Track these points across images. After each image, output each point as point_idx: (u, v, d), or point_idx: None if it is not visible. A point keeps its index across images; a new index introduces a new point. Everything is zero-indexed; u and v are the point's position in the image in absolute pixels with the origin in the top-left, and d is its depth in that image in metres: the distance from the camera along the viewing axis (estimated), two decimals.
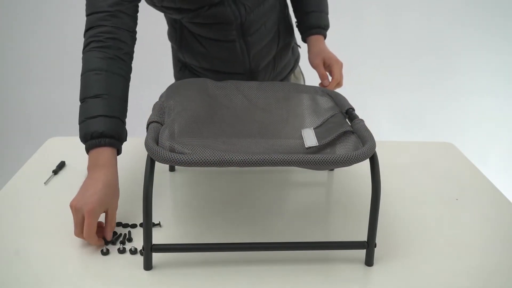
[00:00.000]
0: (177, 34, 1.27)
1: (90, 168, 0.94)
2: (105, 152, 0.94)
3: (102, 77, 0.98)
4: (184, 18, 1.18)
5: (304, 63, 1.44)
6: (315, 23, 1.29)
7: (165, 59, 2.26)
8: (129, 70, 1.04)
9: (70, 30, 2.44)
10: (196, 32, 1.23)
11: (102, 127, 0.94)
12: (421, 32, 2.78)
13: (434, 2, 2.73)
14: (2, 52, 2.73)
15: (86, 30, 1.03)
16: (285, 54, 1.36)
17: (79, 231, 0.90)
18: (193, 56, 1.28)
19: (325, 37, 1.30)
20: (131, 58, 1.05)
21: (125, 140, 1.01)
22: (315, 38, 1.29)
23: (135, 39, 1.07)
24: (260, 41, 1.25)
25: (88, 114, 0.96)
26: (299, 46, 1.41)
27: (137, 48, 1.08)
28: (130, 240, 0.95)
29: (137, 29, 1.08)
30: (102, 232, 0.94)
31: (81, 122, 0.97)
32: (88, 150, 0.95)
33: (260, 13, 1.21)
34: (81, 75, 1.00)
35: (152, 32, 2.02)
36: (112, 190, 0.93)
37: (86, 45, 1.02)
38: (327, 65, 1.24)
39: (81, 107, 0.98)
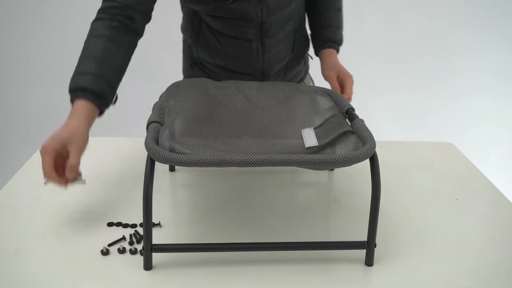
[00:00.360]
0: (193, 27, 1.26)
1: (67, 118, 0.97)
2: (80, 105, 0.97)
3: (102, 42, 1.02)
4: (205, 10, 1.18)
5: (313, 72, 1.44)
6: (331, 38, 1.30)
7: (166, 59, 2.26)
8: (132, 43, 1.07)
9: (70, 30, 2.44)
10: (214, 27, 1.22)
11: (85, 83, 0.97)
12: (421, 32, 2.77)
13: (434, 2, 2.73)
14: (2, 52, 2.73)
15: (101, 7, 1.07)
16: (297, 63, 1.35)
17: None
18: (208, 51, 1.27)
19: (337, 52, 1.31)
20: (138, 34, 1.08)
21: (112, 103, 1.03)
22: (328, 51, 1.30)
23: (149, 18, 1.09)
24: (276, 45, 1.25)
25: (78, 70, 1.00)
26: (311, 58, 1.41)
27: (139, 48, 1.08)
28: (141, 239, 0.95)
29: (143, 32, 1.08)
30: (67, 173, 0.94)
31: (71, 78, 1.00)
32: (71, 103, 0.98)
33: (280, 17, 1.21)
34: (84, 42, 1.04)
35: (154, 33, 2.02)
36: (73, 133, 0.93)
37: (95, 17, 1.06)
38: (340, 79, 1.25)
39: (76, 67, 1.01)
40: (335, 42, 1.30)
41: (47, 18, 2.68)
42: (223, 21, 1.19)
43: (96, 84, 0.98)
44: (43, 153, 0.92)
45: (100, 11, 1.06)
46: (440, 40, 2.80)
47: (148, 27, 1.10)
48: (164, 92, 1.07)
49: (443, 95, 2.86)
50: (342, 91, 1.23)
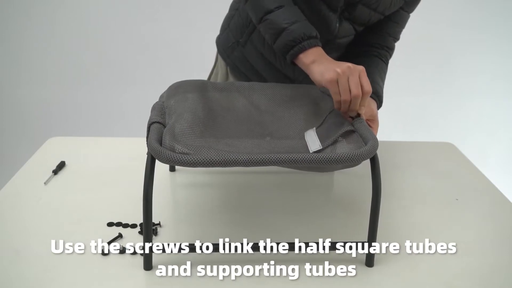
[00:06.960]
0: None
1: (316, 59, 1.00)
2: (320, 49, 1.03)
3: None
4: None
5: None
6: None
7: (164, 61, 2.27)
8: None
9: (70, 30, 2.44)
10: None
11: (314, 31, 1.02)
12: (421, 33, 2.77)
13: (434, 3, 2.73)
14: (1, 52, 2.73)
15: None
16: None
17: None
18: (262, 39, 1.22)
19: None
20: None
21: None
22: None
23: None
24: None
25: (288, 20, 1.03)
26: None
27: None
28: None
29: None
30: None
31: (281, 30, 1.03)
32: (301, 49, 1.02)
33: (341, 44, 1.22)
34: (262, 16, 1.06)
35: (154, 34, 2.03)
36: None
37: None
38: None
39: (270, 21, 1.04)
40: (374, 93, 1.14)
41: (47, 18, 2.68)
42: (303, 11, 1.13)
43: (311, 29, 1.03)
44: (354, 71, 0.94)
45: None
46: (440, 40, 2.80)
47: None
48: (164, 92, 1.07)
49: (443, 96, 2.86)
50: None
